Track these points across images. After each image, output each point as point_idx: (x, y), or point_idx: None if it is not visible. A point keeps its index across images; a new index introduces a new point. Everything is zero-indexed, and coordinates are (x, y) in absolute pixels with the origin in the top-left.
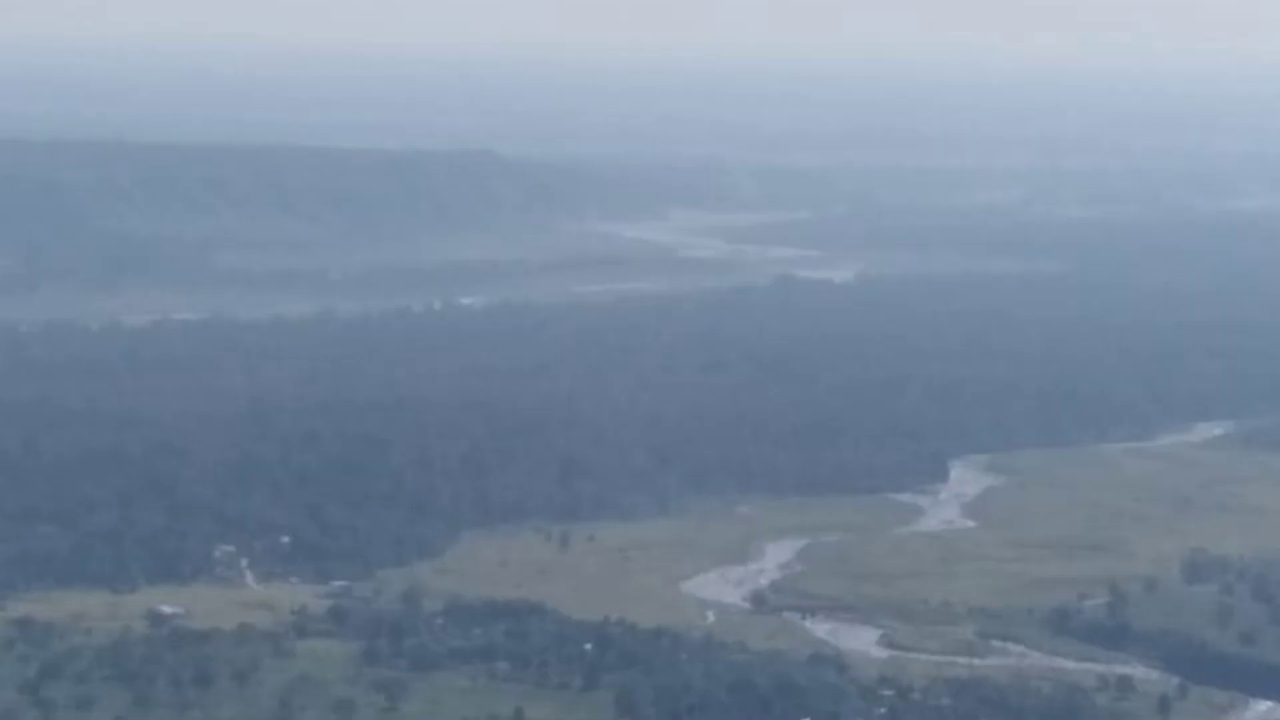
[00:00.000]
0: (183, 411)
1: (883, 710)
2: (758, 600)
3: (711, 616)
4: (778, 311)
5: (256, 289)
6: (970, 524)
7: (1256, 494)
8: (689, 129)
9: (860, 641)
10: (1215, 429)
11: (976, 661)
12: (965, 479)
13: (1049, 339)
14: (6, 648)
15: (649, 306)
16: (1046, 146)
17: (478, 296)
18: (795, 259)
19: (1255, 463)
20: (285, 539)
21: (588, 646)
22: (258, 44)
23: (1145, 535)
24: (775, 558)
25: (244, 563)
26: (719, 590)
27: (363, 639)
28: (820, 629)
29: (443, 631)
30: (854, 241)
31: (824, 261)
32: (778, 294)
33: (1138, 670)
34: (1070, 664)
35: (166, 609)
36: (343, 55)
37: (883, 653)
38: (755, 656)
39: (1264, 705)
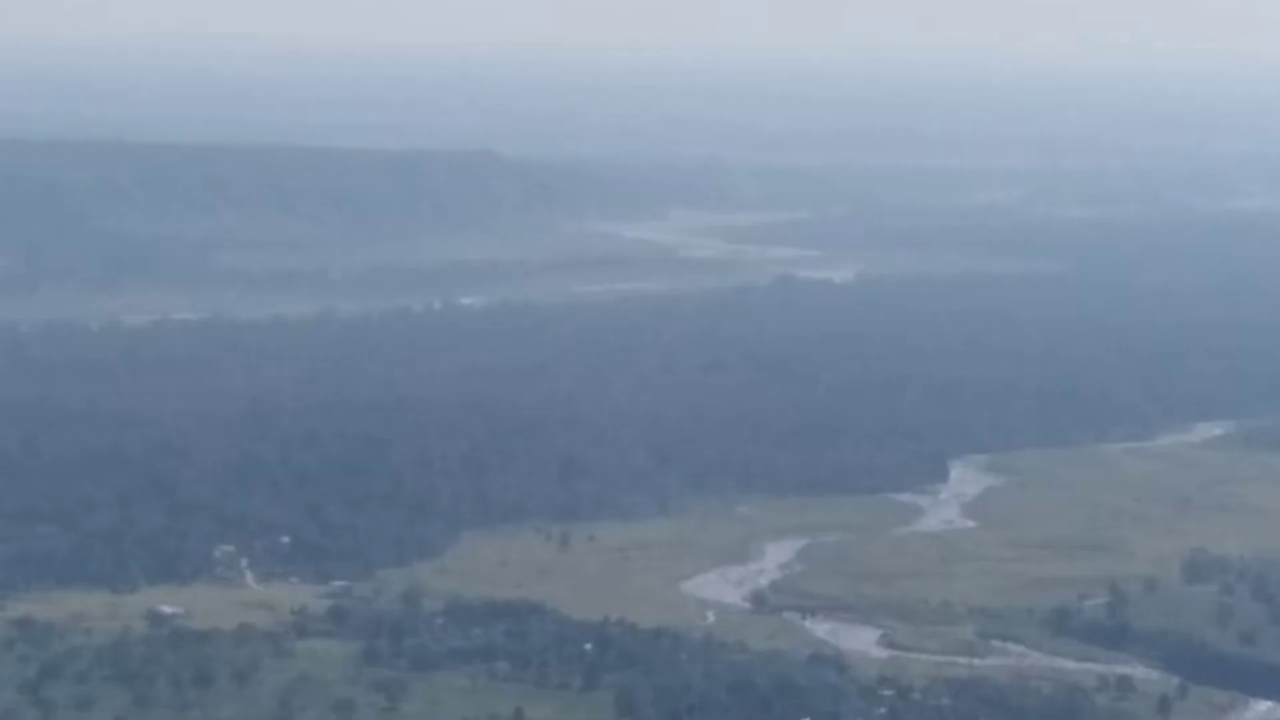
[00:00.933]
0: (183, 411)
1: (883, 710)
2: (758, 600)
3: (711, 616)
4: (778, 311)
5: (256, 289)
6: (970, 524)
7: (1256, 494)
8: (689, 129)
9: (860, 641)
10: (1215, 429)
11: (976, 661)
12: (965, 479)
13: (1049, 339)
14: (6, 648)
15: (649, 306)
16: (1046, 146)
17: (478, 296)
18: (795, 259)
19: (1255, 463)
20: (285, 539)
21: (588, 646)
22: (258, 44)
23: (1145, 535)
24: (775, 558)
25: (244, 563)
26: (719, 590)
27: (363, 639)
28: (820, 629)
29: (443, 631)
30: (854, 241)
31: (824, 261)
32: (778, 294)
33: (1138, 670)
34: (1070, 664)
35: (166, 609)
36: (343, 55)
37: (883, 653)
38: (755, 656)
39: (1264, 705)
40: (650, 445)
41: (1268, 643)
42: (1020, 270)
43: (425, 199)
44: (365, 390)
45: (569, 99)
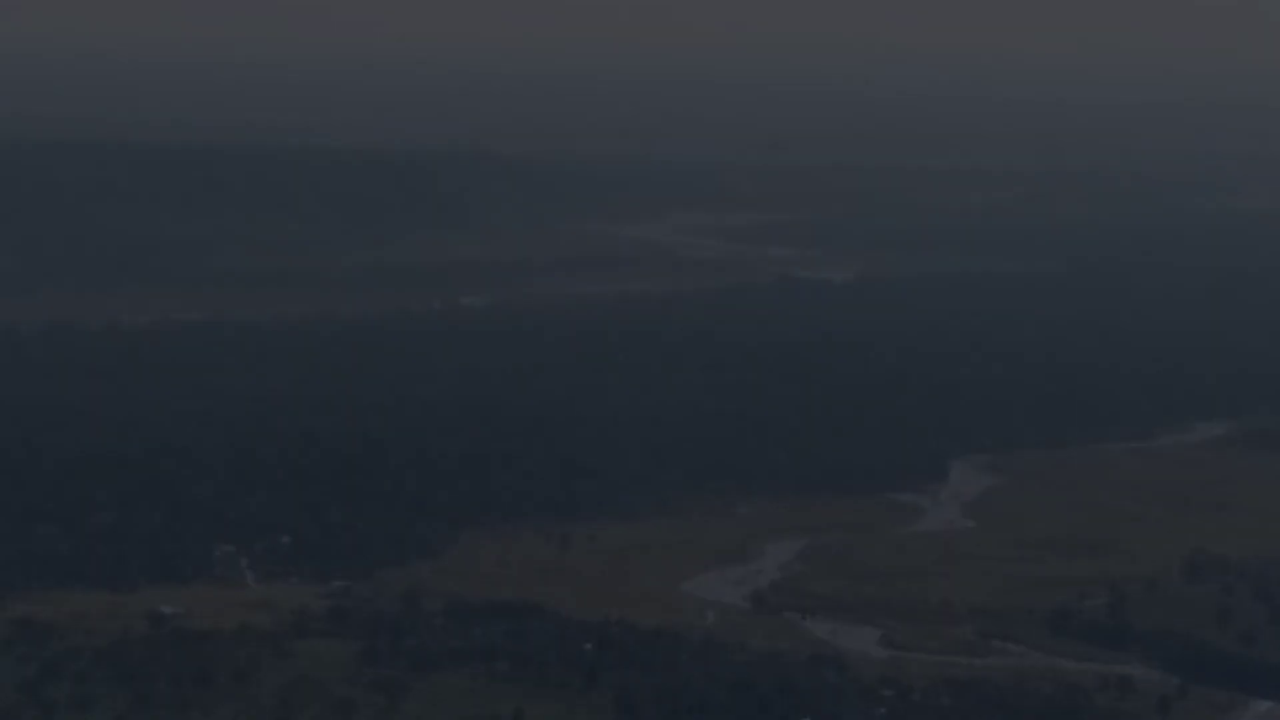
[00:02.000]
0: (183, 412)
1: (883, 710)
2: (758, 600)
3: (711, 616)
4: (778, 311)
5: (256, 289)
6: (970, 524)
7: (1256, 494)
8: (689, 129)
9: (860, 641)
10: (1215, 429)
11: (976, 661)
12: (965, 479)
13: (1049, 339)
14: (6, 648)
15: (649, 306)
16: (1046, 146)
17: (478, 296)
18: (795, 259)
19: (1255, 463)
20: (285, 539)
21: (588, 646)
22: (258, 44)
23: (1145, 535)
24: (775, 558)
25: (244, 563)
26: (719, 590)
27: (363, 639)
28: (820, 629)
29: (443, 631)
30: (854, 241)
31: (824, 261)
32: (778, 294)
33: (1138, 670)
34: (1070, 664)
35: (166, 609)
36: (343, 55)
37: (883, 653)
38: (755, 656)
39: (1264, 705)
40: (650, 445)
41: (1268, 643)
42: (1020, 270)
43: (425, 199)
44: (365, 390)
45: (569, 99)
